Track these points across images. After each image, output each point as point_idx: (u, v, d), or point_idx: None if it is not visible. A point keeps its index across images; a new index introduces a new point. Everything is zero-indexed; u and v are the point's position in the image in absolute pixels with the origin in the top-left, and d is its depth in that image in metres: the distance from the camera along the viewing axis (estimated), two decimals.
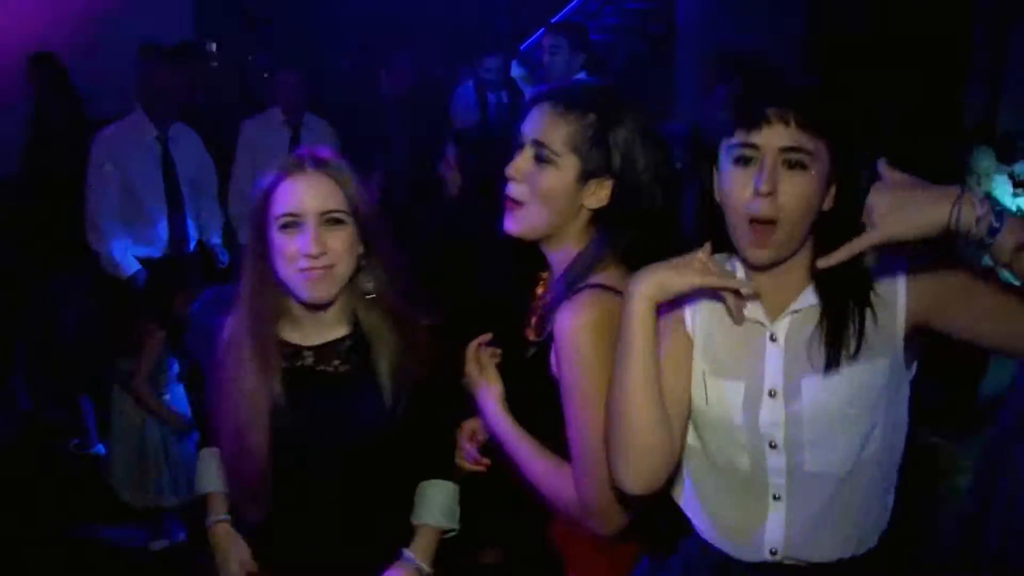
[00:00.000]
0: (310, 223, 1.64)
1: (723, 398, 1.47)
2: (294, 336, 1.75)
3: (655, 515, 1.58)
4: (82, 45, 5.98)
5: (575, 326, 1.52)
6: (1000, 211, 1.20)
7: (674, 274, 1.42)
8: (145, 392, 3.57)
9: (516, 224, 1.64)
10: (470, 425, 1.85)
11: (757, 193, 1.36)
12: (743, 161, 1.39)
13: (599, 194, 1.61)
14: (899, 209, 1.22)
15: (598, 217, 1.63)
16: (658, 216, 1.61)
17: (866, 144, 1.44)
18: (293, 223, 1.65)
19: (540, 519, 1.70)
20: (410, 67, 5.13)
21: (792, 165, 1.37)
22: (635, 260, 1.58)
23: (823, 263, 1.31)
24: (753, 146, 1.37)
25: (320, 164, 1.69)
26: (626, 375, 1.43)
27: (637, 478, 1.45)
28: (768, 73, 1.43)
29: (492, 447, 1.76)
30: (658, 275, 1.43)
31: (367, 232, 1.71)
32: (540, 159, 1.60)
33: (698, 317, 1.51)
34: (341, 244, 1.67)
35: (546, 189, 1.60)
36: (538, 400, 1.64)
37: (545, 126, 1.60)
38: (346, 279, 1.71)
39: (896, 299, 1.40)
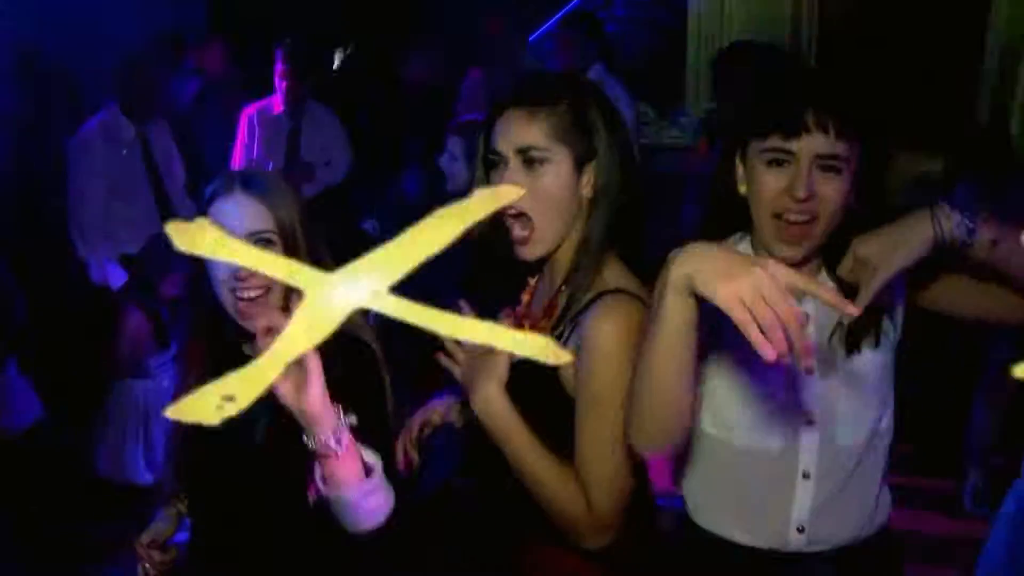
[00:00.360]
0: None
1: (761, 381, 1.50)
2: (250, 349, 1.73)
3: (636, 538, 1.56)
4: (88, 39, 5.90)
5: (615, 335, 1.46)
6: (971, 214, 1.37)
7: (728, 282, 1.13)
8: (120, 368, 3.62)
9: (532, 248, 1.56)
10: (427, 414, 1.74)
11: (795, 199, 1.39)
12: (776, 163, 1.41)
13: (592, 180, 1.55)
14: (892, 245, 1.40)
15: (588, 206, 1.57)
16: (633, 197, 1.57)
17: (890, 143, 1.52)
18: None
19: (509, 545, 1.62)
20: (436, 56, 4.99)
21: (827, 169, 1.40)
22: (623, 250, 1.57)
23: (854, 307, 1.19)
24: (789, 151, 1.40)
25: (248, 185, 1.66)
26: (658, 346, 1.29)
27: (653, 441, 1.42)
28: (808, 80, 1.45)
29: (429, 445, 1.70)
30: (707, 269, 1.17)
31: (298, 253, 1.66)
32: (530, 162, 1.52)
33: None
34: None
35: (548, 191, 1.52)
36: (528, 407, 1.55)
37: (523, 130, 1.52)
38: (281, 303, 1.67)
39: (899, 285, 1.52)
